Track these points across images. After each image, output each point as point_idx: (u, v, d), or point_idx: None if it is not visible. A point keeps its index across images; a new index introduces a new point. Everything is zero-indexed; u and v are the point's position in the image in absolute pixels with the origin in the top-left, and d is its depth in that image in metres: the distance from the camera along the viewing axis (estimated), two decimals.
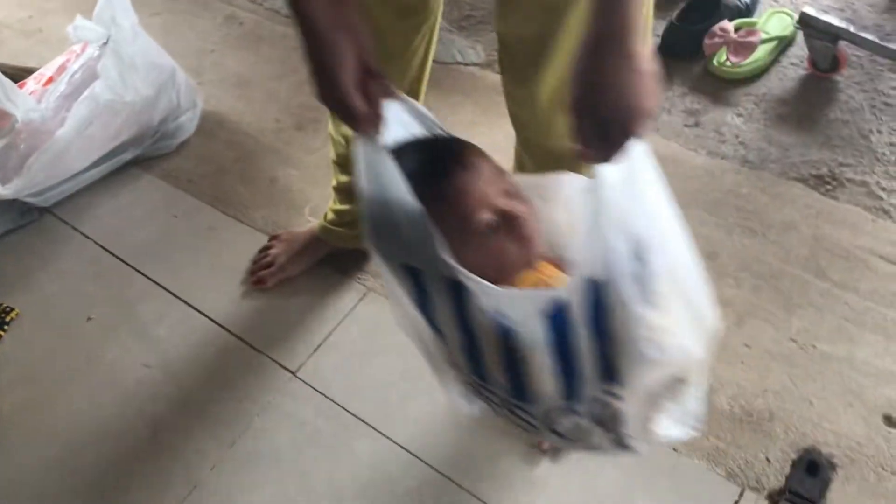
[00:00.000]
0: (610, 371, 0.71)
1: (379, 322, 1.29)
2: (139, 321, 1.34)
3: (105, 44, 1.48)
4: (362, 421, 1.18)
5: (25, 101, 1.47)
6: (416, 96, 1.09)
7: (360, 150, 0.70)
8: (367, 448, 1.15)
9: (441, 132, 0.80)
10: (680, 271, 0.69)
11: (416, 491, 1.10)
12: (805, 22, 1.54)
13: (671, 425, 0.78)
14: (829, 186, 1.42)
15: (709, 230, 1.37)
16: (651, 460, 1.09)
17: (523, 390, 0.75)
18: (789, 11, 1.69)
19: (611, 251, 0.63)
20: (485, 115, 1.60)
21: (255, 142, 1.64)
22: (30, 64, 1.65)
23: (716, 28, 1.64)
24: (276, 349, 1.28)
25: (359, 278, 1.36)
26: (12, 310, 1.37)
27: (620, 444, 0.79)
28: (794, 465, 1.08)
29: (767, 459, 1.09)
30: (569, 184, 0.79)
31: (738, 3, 1.73)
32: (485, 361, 0.76)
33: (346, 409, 1.19)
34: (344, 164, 1.24)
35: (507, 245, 0.74)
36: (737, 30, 1.64)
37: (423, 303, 0.76)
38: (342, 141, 1.20)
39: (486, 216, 0.73)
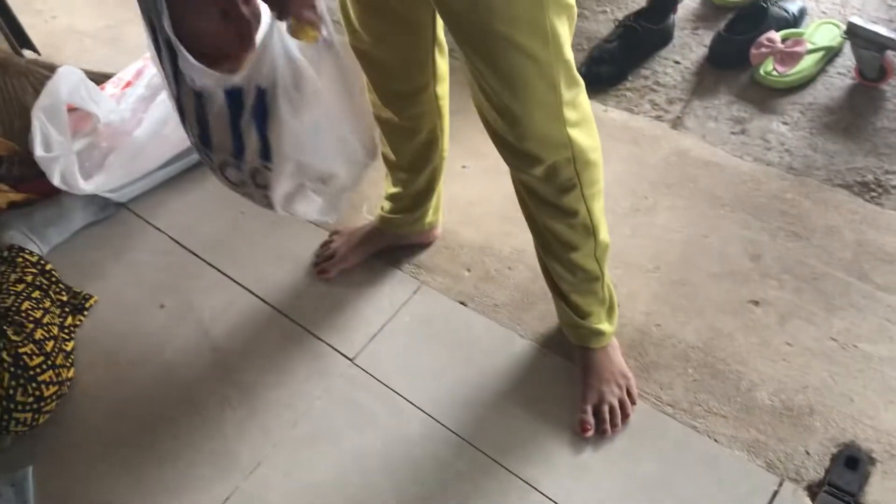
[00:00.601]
0: (266, 151, 0.93)
1: (431, 314, 1.36)
2: (208, 308, 1.43)
3: None
4: (415, 406, 1.24)
5: (107, 103, 1.58)
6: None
7: None
8: (419, 432, 1.21)
9: None
10: (334, 114, 0.94)
11: (466, 473, 1.16)
12: (853, 32, 1.57)
13: (310, 210, 1.04)
14: (874, 193, 1.44)
15: (753, 233, 1.40)
16: (692, 450, 1.14)
17: (209, 141, 0.96)
18: (837, 22, 1.71)
19: (274, 68, 0.86)
20: None
21: None
22: (109, 70, 1.75)
23: (763, 38, 1.67)
24: (336, 337, 1.35)
25: (413, 273, 1.43)
26: (91, 297, 1.47)
27: (270, 204, 1.00)
28: (834, 458, 1.11)
29: (807, 452, 1.12)
30: None
31: (786, 13, 1.75)
32: (187, 116, 0.95)
33: (400, 395, 1.26)
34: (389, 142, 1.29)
35: (225, 34, 0.86)
36: (784, 40, 1.67)
37: (159, 57, 0.92)
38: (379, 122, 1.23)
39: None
